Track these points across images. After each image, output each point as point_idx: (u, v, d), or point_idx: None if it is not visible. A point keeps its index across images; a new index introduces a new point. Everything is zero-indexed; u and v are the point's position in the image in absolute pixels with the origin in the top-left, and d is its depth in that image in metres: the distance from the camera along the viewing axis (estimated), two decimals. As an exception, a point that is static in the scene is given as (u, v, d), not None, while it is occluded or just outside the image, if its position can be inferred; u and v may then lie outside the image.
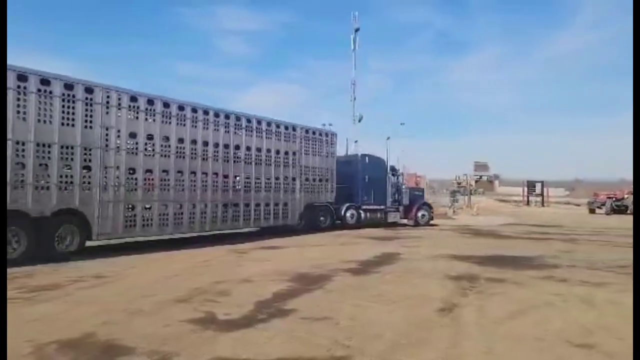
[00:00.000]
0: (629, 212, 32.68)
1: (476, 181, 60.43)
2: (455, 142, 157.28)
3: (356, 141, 20.46)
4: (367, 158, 20.01)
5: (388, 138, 20.31)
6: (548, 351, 4.76)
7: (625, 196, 34.98)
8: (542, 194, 45.68)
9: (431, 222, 21.55)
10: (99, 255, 10.54)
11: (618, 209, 33.96)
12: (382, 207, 19.88)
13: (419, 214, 21.16)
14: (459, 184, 43.58)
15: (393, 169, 20.54)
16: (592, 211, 36.14)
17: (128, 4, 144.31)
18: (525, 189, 46.14)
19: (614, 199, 35.37)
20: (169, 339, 4.82)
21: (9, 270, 8.72)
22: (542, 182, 47.64)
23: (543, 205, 43.90)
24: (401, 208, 20.64)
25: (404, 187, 21.09)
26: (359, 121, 25.54)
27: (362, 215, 19.20)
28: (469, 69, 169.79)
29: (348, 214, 18.80)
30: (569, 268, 9.88)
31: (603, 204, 35.49)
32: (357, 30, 27.00)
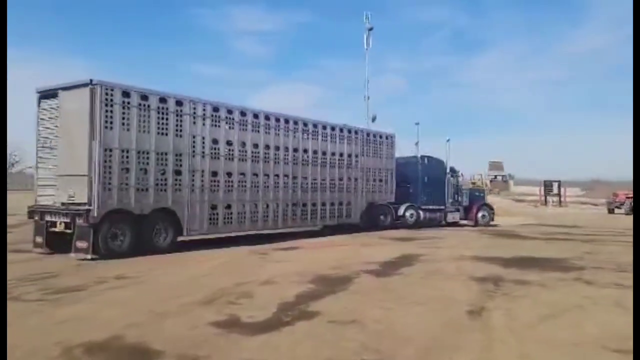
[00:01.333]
0: (492, 211, 32.33)
1: (491, 181, 59.26)
2: (470, 141, 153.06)
3: (417, 143, 21.10)
4: (426, 159, 19.77)
5: (448, 140, 20.74)
6: (585, 357, 4.56)
7: None
8: (559, 194, 43.27)
9: (491, 222, 21.89)
10: (114, 255, 10.40)
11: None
12: (442, 207, 19.65)
13: (479, 215, 20.48)
14: (473, 183, 43.12)
15: (453, 170, 20.07)
16: (610, 211, 34.40)
17: (144, 5, 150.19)
18: (542, 188, 43.24)
19: (633, 199, 33.27)
20: (196, 342, 4.69)
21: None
22: (559, 181, 44.84)
23: (561, 205, 41.37)
24: (461, 208, 20.84)
25: (463, 188, 21.63)
26: (373, 121, 25.33)
27: (422, 215, 19.29)
28: (485, 68, 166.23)
29: (407, 214, 19.13)
30: (595, 270, 9.54)
31: (622, 204, 34.12)
32: (370, 29, 26.56)
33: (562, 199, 43.71)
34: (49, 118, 10.84)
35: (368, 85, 26.39)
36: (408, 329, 5.32)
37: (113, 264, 9.54)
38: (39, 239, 10.77)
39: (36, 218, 10.79)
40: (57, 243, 10.67)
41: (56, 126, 10.66)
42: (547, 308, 6.35)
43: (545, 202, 41.18)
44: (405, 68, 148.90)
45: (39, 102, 10.93)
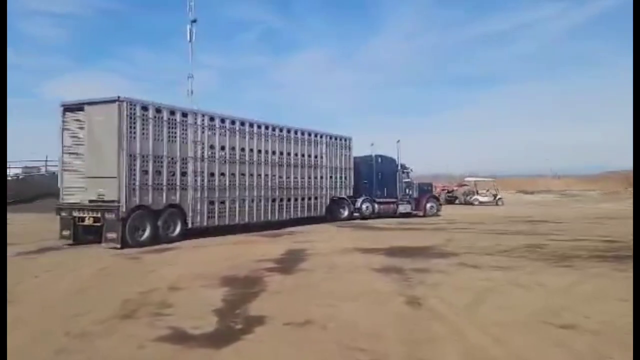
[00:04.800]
0: (457, 202, 42.98)
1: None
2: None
3: (372, 144, 24.87)
4: (380, 158, 24.93)
5: (398, 141, 24.95)
6: (544, 334, 5.34)
7: (455, 188, 45.33)
8: None
9: (439, 212, 26.22)
10: (137, 245, 12.16)
11: (450, 200, 43.22)
12: (394, 199, 24.69)
13: (428, 206, 26.23)
14: None
15: (404, 166, 25.46)
16: None
17: None
18: None
19: (446, 191, 44.73)
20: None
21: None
22: None
23: None
24: (412, 201, 25.30)
25: (414, 182, 25.73)
26: None
27: (376, 207, 23.95)
28: (297, 70, 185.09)
29: (364, 206, 23.52)
30: (467, 255, 11.44)
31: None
32: (193, 21, 26.76)
33: None
34: (74, 128, 13.23)
35: (191, 79, 27.17)
36: (370, 325, 5.75)
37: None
38: (66, 232, 13.49)
39: (63, 214, 13.27)
40: (82, 236, 13.09)
41: (80, 136, 13.09)
42: (467, 292, 7.34)
43: None
44: (220, 64, 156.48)
45: (64, 114, 13.31)
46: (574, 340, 5.21)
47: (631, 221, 22.01)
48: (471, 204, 41.00)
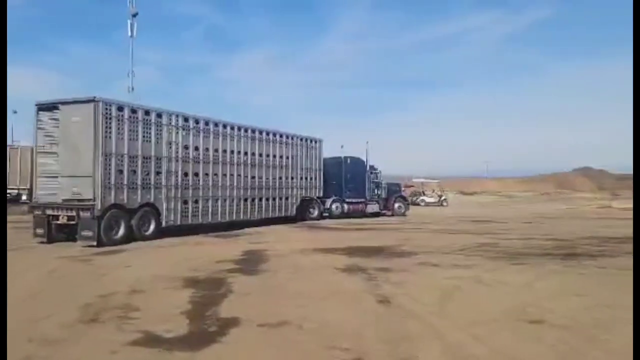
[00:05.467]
0: (407, 202, 45.71)
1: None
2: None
3: (342, 146, 25.65)
4: (348, 159, 25.79)
5: (367, 142, 25.78)
6: (518, 331, 5.54)
7: (404, 189, 47.24)
8: None
9: (406, 213, 27.15)
10: (111, 243, 12.41)
11: None
12: (363, 200, 25.41)
13: (396, 206, 27.17)
14: None
15: (373, 167, 26.34)
16: None
17: None
18: None
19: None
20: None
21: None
22: None
23: None
24: (380, 201, 26.12)
25: (383, 182, 26.58)
26: None
27: (346, 207, 24.62)
28: (243, 67, 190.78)
29: (333, 206, 24.24)
30: (426, 254, 11.76)
31: None
32: (134, 15, 26.24)
33: None
34: (48, 127, 13.44)
35: (132, 75, 26.47)
36: (344, 325, 5.83)
37: None
38: (40, 231, 13.70)
39: (37, 212, 13.49)
40: (56, 235, 13.33)
41: (54, 135, 13.32)
42: (434, 291, 7.57)
43: None
44: (163, 60, 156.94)
45: (37, 114, 13.49)
46: (547, 336, 5.44)
47: (569, 221, 24.24)
48: (417, 204, 42.31)
